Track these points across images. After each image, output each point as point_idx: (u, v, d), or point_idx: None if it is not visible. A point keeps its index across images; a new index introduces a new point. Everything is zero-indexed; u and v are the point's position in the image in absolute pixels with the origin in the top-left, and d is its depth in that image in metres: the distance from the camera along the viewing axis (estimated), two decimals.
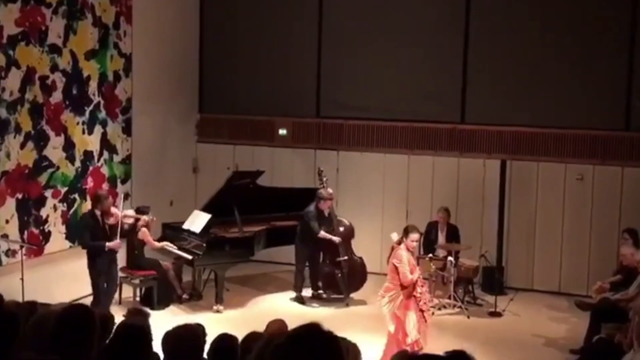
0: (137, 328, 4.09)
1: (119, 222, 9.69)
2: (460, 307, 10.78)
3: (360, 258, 11.32)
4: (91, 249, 9.55)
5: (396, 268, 8.19)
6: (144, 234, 10.51)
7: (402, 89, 12.40)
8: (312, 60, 12.94)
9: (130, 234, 10.42)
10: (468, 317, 10.59)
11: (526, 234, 11.99)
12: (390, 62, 12.46)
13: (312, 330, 2.51)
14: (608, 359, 7.66)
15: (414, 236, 8.33)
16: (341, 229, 11.24)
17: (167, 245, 10.77)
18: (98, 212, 9.59)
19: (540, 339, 9.83)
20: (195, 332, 4.48)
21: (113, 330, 5.32)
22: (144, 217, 10.37)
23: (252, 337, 5.35)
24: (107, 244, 9.50)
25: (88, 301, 9.72)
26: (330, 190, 11.17)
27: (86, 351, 3.84)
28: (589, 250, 11.69)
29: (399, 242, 8.36)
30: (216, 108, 13.47)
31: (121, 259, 10.62)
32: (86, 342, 3.86)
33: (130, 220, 10.12)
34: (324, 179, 11.21)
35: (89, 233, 9.56)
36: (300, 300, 11.18)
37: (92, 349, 3.90)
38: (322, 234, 10.96)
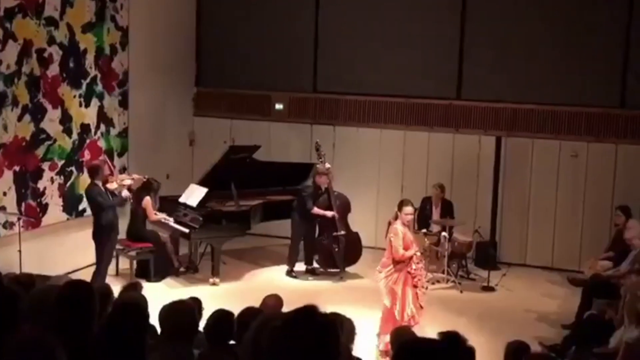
0: (134, 305, 4.14)
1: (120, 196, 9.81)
2: (453, 281, 10.89)
3: (356, 233, 11.40)
4: (116, 206, 9.70)
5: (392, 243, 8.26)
6: (146, 203, 10.59)
7: (398, 65, 12.41)
8: (309, 35, 12.93)
9: (135, 203, 10.58)
10: (461, 291, 10.70)
11: (520, 209, 12.08)
12: (387, 38, 12.46)
13: (308, 314, 2.52)
14: (599, 335, 7.74)
15: (408, 209, 8.34)
16: (339, 200, 11.30)
17: (165, 218, 10.84)
18: (99, 182, 9.62)
19: (532, 314, 9.92)
20: (190, 308, 4.52)
21: (111, 305, 5.42)
22: (136, 176, 10.41)
23: (248, 312, 5.41)
24: (124, 194, 9.75)
25: (85, 272, 9.84)
26: (327, 165, 11.21)
27: (87, 327, 3.91)
28: (581, 226, 11.80)
29: (395, 217, 8.41)
30: (213, 82, 13.48)
31: (120, 231, 10.71)
32: (87, 318, 3.94)
33: (127, 183, 10.00)
34: (322, 153, 11.24)
35: (102, 198, 9.55)
36: (292, 274, 11.27)
37: (92, 324, 3.98)
38: (315, 210, 11.03)
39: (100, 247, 9.58)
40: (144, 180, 10.59)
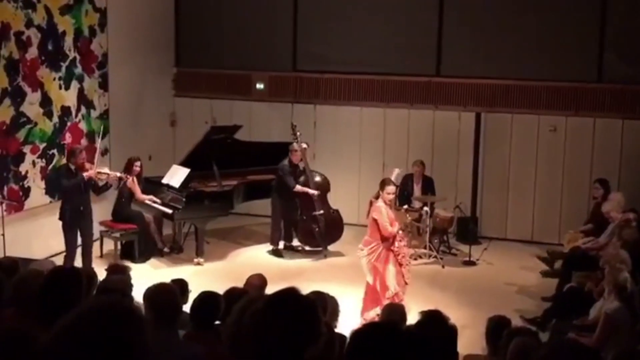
0: (118, 290, 4.25)
1: (94, 177, 9.62)
2: (435, 256, 11.03)
3: (336, 210, 11.47)
4: (71, 188, 9.45)
5: (376, 221, 8.30)
6: (132, 183, 10.61)
7: (378, 43, 12.44)
8: (288, 14, 12.92)
9: (120, 184, 10.58)
10: (443, 266, 10.83)
11: (500, 185, 12.21)
12: (366, 16, 12.47)
13: (290, 296, 2.56)
14: (579, 306, 7.89)
15: (390, 189, 8.41)
16: (317, 178, 11.37)
17: (152, 198, 10.86)
18: (72, 167, 9.57)
19: (513, 287, 10.07)
20: (172, 291, 4.57)
21: (95, 289, 5.47)
22: (120, 175, 10.37)
23: (233, 292, 5.49)
24: (85, 174, 9.45)
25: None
26: (304, 145, 11.25)
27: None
28: (561, 200, 11.94)
29: (377, 196, 8.49)
30: (193, 62, 13.45)
31: (104, 213, 10.72)
32: (72, 303, 3.88)
33: (105, 177, 9.98)
34: (298, 133, 11.26)
35: (65, 180, 9.50)
36: (277, 253, 11.34)
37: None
38: (299, 187, 11.10)
39: (64, 230, 9.54)
40: (125, 178, 10.45)
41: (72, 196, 9.49)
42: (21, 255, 8.41)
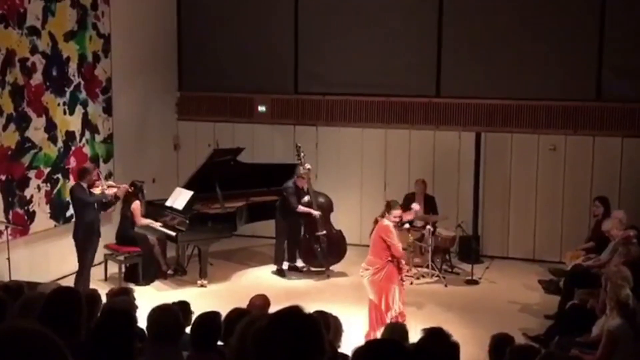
0: (122, 311, 4.18)
1: (112, 195, 10.01)
2: (438, 276, 11.06)
3: (339, 231, 11.54)
4: (94, 202, 9.77)
5: (382, 241, 8.30)
6: (135, 207, 10.70)
7: (378, 65, 12.56)
8: (289, 37, 13.06)
9: (124, 206, 10.72)
10: (446, 285, 10.87)
11: (501, 203, 12.28)
12: (366, 38, 12.60)
13: (293, 314, 2.54)
14: (581, 324, 7.87)
15: (396, 212, 8.44)
16: (321, 199, 11.45)
17: (152, 223, 10.92)
18: (85, 184, 9.75)
19: (515, 305, 10.09)
20: (174, 312, 4.60)
21: (99, 311, 5.51)
22: (124, 186, 10.49)
23: (235, 313, 5.50)
24: (109, 191, 9.94)
25: (74, 279, 9.90)
26: (308, 166, 11.33)
27: (74, 332, 3.97)
28: (561, 218, 12.00)
29: (382, 215, 8.53)
30: (196, 86, 13.59)
31: (108, 236, 10.79)
32: (74, 324, 4.00)
33: (112, 191, 10.18)
34: (302, 154, 11.36)
35: (84, 195, 9.72)
36: (280, 273, 11.40)
37: (80, 330, 4.04)
38: (301, 208, 11.18)
39: (80, 248, 9.65)
40: (129, 190, 10.61)
41: (90, 213, 9.68)
42: (26, 278, 8.47)
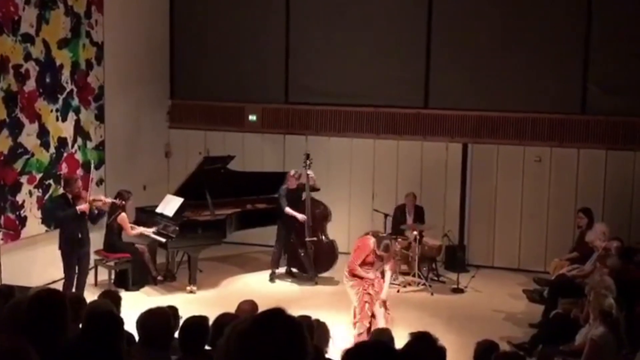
0: (107, 312, 4.21)
1: (89, 206, 9.71)
2: (424, 284, 11.18)
3: (332, 241, 11.61)
4: (64, 219, 9.59)
5: (358, 249, 8.60)
6: (122, 220, 10.74)
7: (367, 75, 12.71)
8: (280, 47, 13.20)
9: (110, 218, 10.68)
10: (432, 293, 10.99)
11: (487, 213, 12.42)
12: (356, 49, 12.75)
13: (275, 316, 2.53)
14: (565, 333, 7.96)
15: (386, 256, 8.62)
16: (317, 210, 11.57)
17: (145, 231, 10.96)
18: (69, 196, 9.73)
19: (500, 314, 10.21)
20: (166, 315, 4.64)
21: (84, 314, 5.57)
22: (113, 200, 10.48)
23: (224, 318, 5.57)
24: (78, 207, 9.52)
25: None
26: (309, 172, 11.37)
27: (58, 333, 3.99)
28: (546, 229, 12.15)
29: (374, 234, 8.74)
30: (187, 94, 13.70)
31: (98, 243, 10.86)
32: (57, 324, 4.01)
33: (100, 204, 10.10)
34: (308, 162, 11.36)
35: (61, 211, 9.70)
36: (272, 276, 11.54)
37: (64, 331, 4.06)
38: (288, 210, 11.29)
39: (63, 260, 9.67)
40: (119, 204, 10.54)
41: (69, 225, 9.62)
42: (17, 283, 8.53)
